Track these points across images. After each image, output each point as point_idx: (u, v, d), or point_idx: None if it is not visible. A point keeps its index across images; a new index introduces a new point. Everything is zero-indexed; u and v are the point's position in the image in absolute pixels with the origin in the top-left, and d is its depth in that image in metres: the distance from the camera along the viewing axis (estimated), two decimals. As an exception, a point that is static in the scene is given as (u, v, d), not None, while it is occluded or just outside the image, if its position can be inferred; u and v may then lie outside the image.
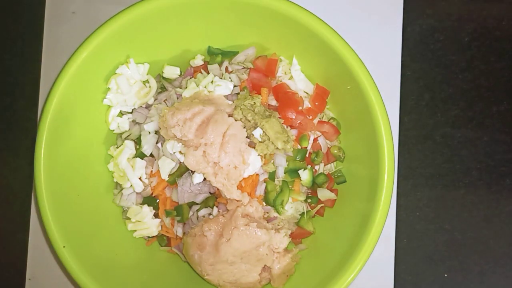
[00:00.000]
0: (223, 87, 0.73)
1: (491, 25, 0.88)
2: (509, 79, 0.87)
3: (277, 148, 0.71)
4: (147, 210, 0.75)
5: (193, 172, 0.72)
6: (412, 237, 0.84)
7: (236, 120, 0.71)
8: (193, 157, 0.70)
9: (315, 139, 0.76)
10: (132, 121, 0.77)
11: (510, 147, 0.86)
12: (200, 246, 0.71)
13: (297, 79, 0.77)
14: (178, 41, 0.76)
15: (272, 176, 0.73)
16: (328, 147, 0.76)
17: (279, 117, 0.73)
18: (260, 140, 0.71)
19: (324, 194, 0.75)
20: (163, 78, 0.78)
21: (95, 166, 0.76)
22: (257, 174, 0.73)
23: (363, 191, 0.71)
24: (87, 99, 0.73)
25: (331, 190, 0.76)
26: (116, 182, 0.76)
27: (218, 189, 0.71)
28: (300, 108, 0.75)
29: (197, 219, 0.74)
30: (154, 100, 0.76)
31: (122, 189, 0.75)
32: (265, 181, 0.73)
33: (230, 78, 0.75)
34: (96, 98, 0.74)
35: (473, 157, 0.86)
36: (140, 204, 0.75)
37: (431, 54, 0.87)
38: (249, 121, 0.72)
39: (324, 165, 0.76)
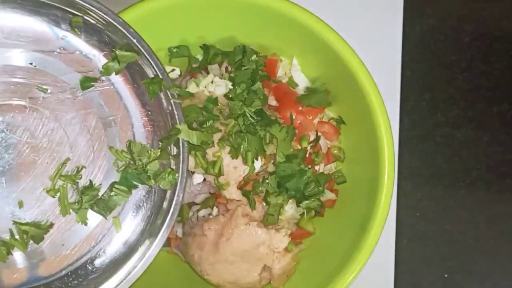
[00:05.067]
0: (223, 87, 0.73)
1: (492, 25, 0.88)
2: (509, 80, 0.87)
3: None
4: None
5: (192, 172, 0.72)
6: (412, 237, 0.84)
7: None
8: (193, 157, 0.70)
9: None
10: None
11: (510, 148, 0.86)
12: (200, 246, 0.71)
13: (297, 79, 0.77)
14: (178, 41, 0.76)
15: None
16: (328, 147, 0.76)
17: (279, 117, 0.73)
18: (260, 140, 0.71)
19: (324, 194, 0.75)
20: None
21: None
22: (257, 174, 0.73)
23: (363, 192, 0.71)
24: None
25: (331, 190, 0.76)
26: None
27: (217, 189, 0.71)
28: (300, 108, 0.75)
29: (197, 219, 0.74)
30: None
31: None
32: (265, 181, 0.73)
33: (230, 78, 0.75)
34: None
35: (473, 157, 0.86)
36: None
37: (431, 54, 0.87)
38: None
39: (324, 165, 0.76)
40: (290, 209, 0.74)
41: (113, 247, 0.62)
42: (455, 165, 0.86)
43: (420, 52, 0.87)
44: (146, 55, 0.61)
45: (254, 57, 0.73)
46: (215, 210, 0.74)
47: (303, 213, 0.75)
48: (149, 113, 0.63)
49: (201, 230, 0.71)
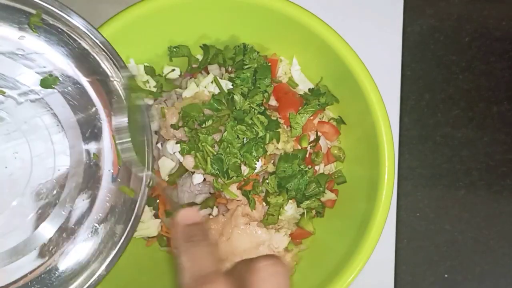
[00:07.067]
0: (223, 87, 0.73)
1: (492, 25, 0.88)
2: (509, 79, 0.87)
3: (277, 148, 0.71)
4: (147, 211, 0.75)
5: (193, 172, 0.72)
6: (412, 237, 0.84)
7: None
8: (193, 157, 0.70)
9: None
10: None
11: (510, 147, 0.86)
12: (200, 246, 0.71)
13: (297, 79, 0.77)
14: (178, 41, 0.76)
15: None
16: (328, 148, 0.76)
17: (279, 117, 0.73)
18: (260, 140, 0.71)
19: (324, 194, 0.75)
20: (165, 78, 0.78)
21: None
22: (257, 174, 0.73)
23: (363, 192, 0.71)
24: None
25: (331, 191, 0.76)
26: (116, 182, 0.76)
27: (218, 189, 0.71)
28: (300, 108, 0.75)
29: (197, 219, 0.74)
30: (154, 100, 0.76)
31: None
32: (265, 181, 0.73)
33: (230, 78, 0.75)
34: (96, 98, 0.74)
35: (474, 157, 0.86)
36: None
37: (431, 54, 0.87)
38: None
39: (324, 166, 0.76)
40: (290, 209, 0.74)
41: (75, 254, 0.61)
42: (455, 165, 0.86)
43: (420, 52, 0.87)
44: (110, 55, 0.59)
45: (255, 54, 0.73)
46: (215, 210, 0.74)
47: (303, 213, 0.75)
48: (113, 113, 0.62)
49: (201, 230, 0.71)
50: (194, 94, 0.73)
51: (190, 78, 0.77)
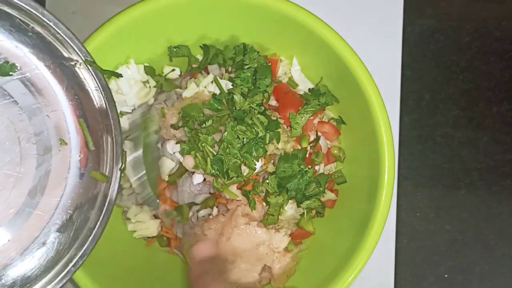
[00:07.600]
0: (223, 88, 0.73)
1: (492, 25, 0.88)
2: (509, 79, 0.87)
3: (277, 148, 0.71)
4: (147, 210, 0.75)
5: (193, 172, 0.72)
6: (412, 237, 0.84)
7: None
8: (193, 157, 0.70)
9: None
10: (132, 121, 0.77)
11: (510, 147, 0.86)
12: (200, 246, 0.71)
13: (297, 79, 0.77)
14: (178, 41, 0.76)
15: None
16: (328, 148, 0.76)
17: (279, 117, 0.73)
18: (260, 140, 0.71)
19: (324, 194, 0.75)
20: (165, 78, 0.78)
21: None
22: (257, 174, 0.73)
23: (363, 192, 0.71)
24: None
25: (331, 191, 0.76)
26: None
27: (217, 189, 0.71)
28: (300, 108, 0.75)
29: (197, 219, 0.74)
30: (154, 101, 0.76)
31: (122, 190, 0.75)
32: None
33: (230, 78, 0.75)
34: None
35: (474, 157, 0.86)
36: (140, 204, 0.75)
37: (431, 54, 0.87)
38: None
39: (324, 166, 0.76)
40: (290, 209, 0.74)
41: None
42: (455, 165, 0.86)
43: (420, 52, 0.87)
44: (65, 37, 0.57)
45: (255, 54, 0.73)
46: (215, 210, 0.74)
47: (303, 213, 0.75)
48: (76, 96, 0.60)
49: (201, 230, 0.71)
50: (194, 94, 0.73)
51: (190, 78, 0.77)
